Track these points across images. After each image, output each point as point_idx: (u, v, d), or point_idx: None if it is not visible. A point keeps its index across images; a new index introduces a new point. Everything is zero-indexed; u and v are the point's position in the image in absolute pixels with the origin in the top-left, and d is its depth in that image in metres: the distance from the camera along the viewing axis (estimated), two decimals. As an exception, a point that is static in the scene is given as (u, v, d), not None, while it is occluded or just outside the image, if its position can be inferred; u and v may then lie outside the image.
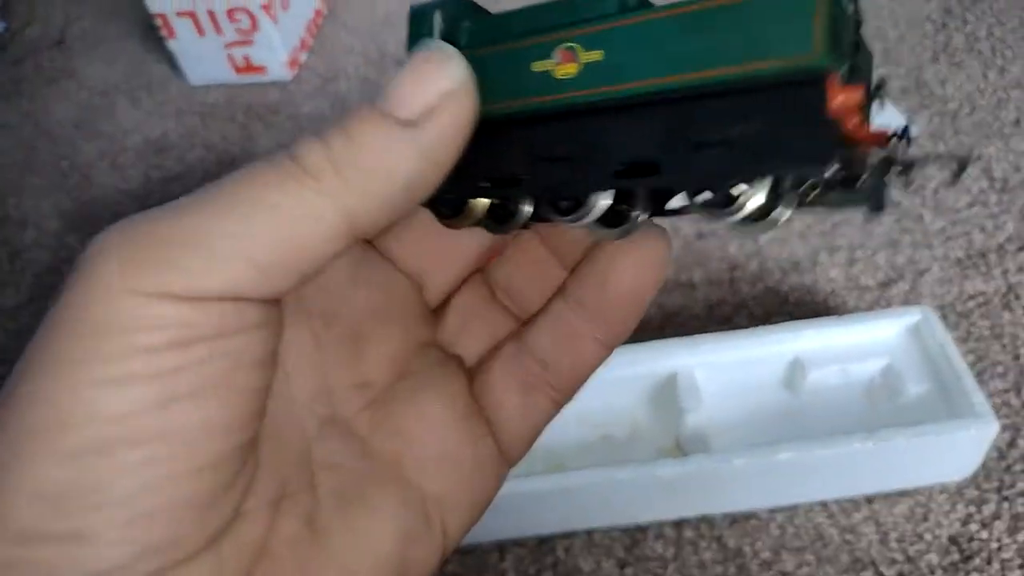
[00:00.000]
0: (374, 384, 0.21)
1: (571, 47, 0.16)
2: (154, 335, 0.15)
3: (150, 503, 0.15)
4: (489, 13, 0.19)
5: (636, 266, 0.20)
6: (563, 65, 0.17)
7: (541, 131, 0.18)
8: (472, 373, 0.22)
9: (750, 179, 0.15)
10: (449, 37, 0.18)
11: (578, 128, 0.17)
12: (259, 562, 0.17)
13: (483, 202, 0.20)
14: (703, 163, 0.15)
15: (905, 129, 0.15)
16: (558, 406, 0.22)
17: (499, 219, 0.20)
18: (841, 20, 0.14)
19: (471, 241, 0.22)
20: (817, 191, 0.16)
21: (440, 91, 0.16)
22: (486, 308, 0.23)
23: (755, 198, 0.15)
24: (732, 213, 0.16)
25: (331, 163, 0.16)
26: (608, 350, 0.21)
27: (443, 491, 0.20)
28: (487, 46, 0.18)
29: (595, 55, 0.16)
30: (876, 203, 0.15)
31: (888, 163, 0.15)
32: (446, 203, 0.20)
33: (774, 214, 0.16)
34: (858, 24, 0.15)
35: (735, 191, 0.15)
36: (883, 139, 0.15)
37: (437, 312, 0.23)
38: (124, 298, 0.15)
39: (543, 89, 0.17)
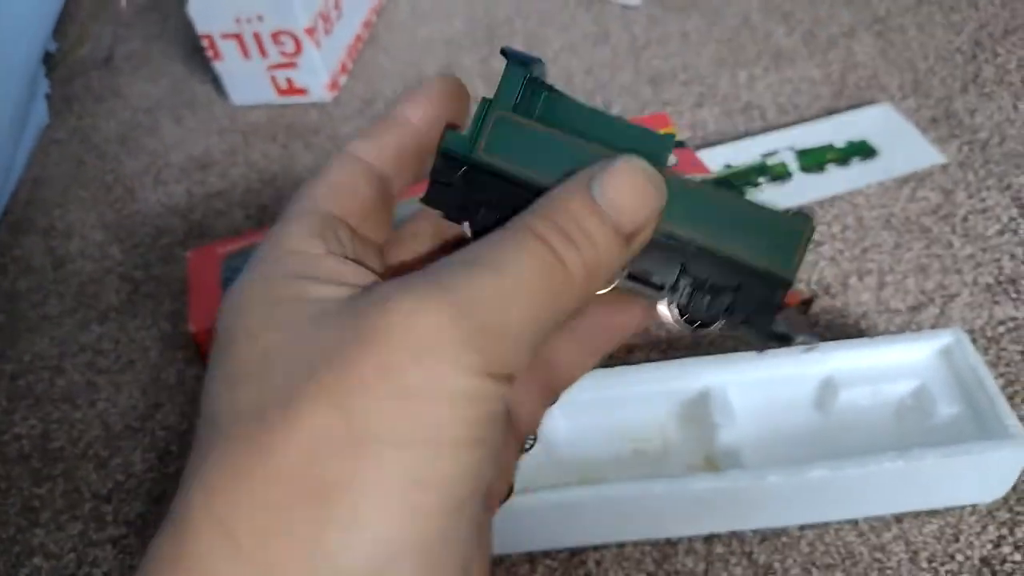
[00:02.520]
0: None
1: None
2: (478, 407, 0.18)
3: None
4: (560, 93, 0.23)
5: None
6: None
7: None
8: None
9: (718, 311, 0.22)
10: (527, 98, 0.22)
11: None
12: None
13: None
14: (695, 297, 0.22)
15: (809, 301, 0.23)
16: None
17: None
18: (803, 250, 0.22)
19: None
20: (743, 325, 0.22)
21: (655, 210, 0.21)
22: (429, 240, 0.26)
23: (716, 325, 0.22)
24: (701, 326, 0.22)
25: (583, 267, 0.19)
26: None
27: None
28: (557, 125, 0.22)
29: None
30: (760, 347, 0.22)
31: (783, 337, 0.22)
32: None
33: (713, 327, 0.22)
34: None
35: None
36: (796, 303, 0.23)
37: None
38: (456, 373, 0.17)
39: None
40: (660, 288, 0.22)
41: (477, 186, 0.22)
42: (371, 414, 0.17)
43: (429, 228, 0.24)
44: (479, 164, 0.22)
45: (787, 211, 0.22)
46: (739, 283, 0.21)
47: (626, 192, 0.20)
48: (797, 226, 0.21)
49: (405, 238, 0.24)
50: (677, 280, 0.21)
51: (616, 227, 0.20)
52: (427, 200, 0.22)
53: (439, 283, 0.18)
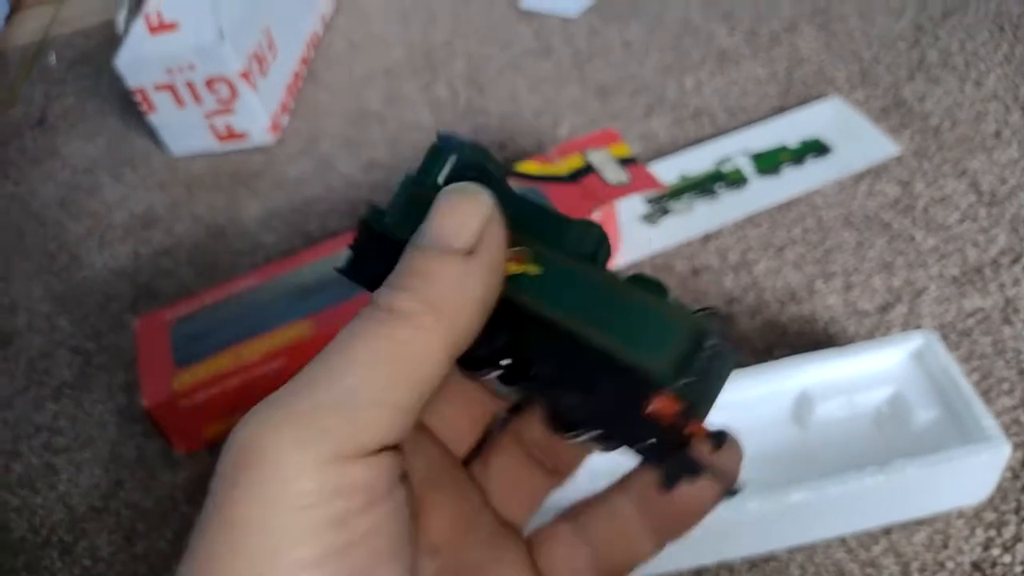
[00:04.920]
0: (442, 549, 0.21)
1: (525, 250, 0.19)
2: (339, 503, 0.16)
3: None
4: (496, 171, 0.21)
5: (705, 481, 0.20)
6: (512, 261, 0.20)
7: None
8: (529, 544, 0.22)
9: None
10: (457, 179, 0.21)
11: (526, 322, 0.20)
12: None
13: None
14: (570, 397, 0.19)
15: (720, 435, 0.19)
16: None
17: (511, 379, 0.21)
18: (694, 355, 0.18)
19: (482, 398, 0.23)
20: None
21: (482, 217, 0.18)
22: (526, 470, 0.23)
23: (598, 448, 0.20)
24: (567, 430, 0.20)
25: (423, 303, 0.17)
26: (661, 548, 0.21)
27: None
28: None
29: (534, 268, 0.19)
30: (668, 482, 0.19)
31: (683, 465, 0.19)
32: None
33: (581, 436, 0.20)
34: (721, 360, 0.19)
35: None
36: (702, 436, 0.19)
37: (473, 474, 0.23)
38: (310, 469, 0.16)
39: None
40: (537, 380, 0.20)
41: (391, 259, 0.20)
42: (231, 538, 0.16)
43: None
44: (392, 238, 0.20)
45: (691, 309, 0.18)
46: (611, 384, 0.18)
47: (442, 217, 0.18)
48: (686, 321, 0.18)
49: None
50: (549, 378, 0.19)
51: (445, 249, 0.18)
52: (345, 271, 0.22)
53: (282, 392, 0.17)
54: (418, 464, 0.21)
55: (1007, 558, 0.38)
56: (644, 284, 0.19)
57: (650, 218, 0.56)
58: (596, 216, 0.50)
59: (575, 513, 0.22)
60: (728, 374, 0.19)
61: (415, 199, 0.20)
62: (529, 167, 0.53)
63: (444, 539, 0.21)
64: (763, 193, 0.55)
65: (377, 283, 0.20)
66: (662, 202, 0.56)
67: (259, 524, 0.16)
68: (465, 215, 0.18)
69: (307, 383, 0.17)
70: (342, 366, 0.17)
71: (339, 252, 0.52)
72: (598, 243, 0.20)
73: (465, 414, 0.23)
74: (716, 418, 0.42)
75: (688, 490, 0.20)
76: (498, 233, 0.19)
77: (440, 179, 0.21)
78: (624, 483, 0.22)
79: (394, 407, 0.17)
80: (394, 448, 0.17)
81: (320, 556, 0.16)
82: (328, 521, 0.16)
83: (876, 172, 0.55)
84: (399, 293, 0.18)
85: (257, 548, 0.16)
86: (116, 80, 0.69)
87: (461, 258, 0.18)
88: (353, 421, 0.16)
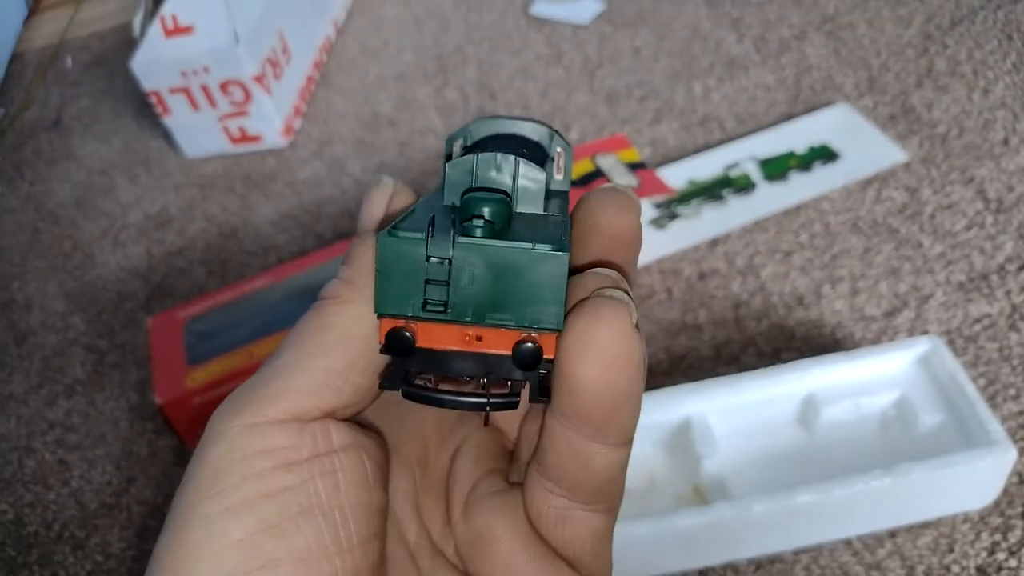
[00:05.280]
0: (457, 522, 0.22)
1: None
2: (261, 461, 0.17)
3: None
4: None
5: (593, 359, 0.18)
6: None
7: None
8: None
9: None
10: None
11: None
12: None
13: None
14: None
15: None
16: (606, 513, 0.20)
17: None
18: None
19: None
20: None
21: (387, 197, 0.20)
22: None
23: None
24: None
25: (343, 281, 0.19)
26: (614, 449, 0.19)
27: None
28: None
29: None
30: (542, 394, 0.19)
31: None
32: None
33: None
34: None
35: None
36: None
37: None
38: (233, 435, 0.18)
39: None
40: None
41: None
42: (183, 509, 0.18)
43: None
44: None
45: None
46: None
47: (361, 209, 0.20)
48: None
49: None
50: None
51: (361, 232, 0.20)
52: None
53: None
54: (449, 444, 0.22)
55: (1013, 562, 0.38)
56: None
57: (658, 222, 0.56)
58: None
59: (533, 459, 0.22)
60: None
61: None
62: (539, 171, 0.54)
63: (460, 511, 0.22)
64: (771, 199, 0.56)
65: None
66: (670, 207, 0.57)
67: (191, 481, 0.18)
68: (375, 200, 0.20)
69: (264, 366, 0.19)
70: (288, 347, 0.19)
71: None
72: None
73: None
74: (723, 420, 0.42)
75: (584, 374, 0.18)
76: (400, 205, 0.20)
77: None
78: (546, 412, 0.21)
79: (324, 371, 0.18)
80: (336, 420, 0.19)
81: (235, 504, 0.17)
82: (243, 476, 0.17)
83: (884, 178, 0.55)
84: (332, 281, 0.19)
85: (181, 496, 0.18)
86: (131, 82, 0.69)
87: (369, 234, 0.20)
88: (280, 391, 0.18)
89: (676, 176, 0.59)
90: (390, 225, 0.18)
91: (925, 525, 0.39)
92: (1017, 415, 0.42)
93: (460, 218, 0.18)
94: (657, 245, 0.54)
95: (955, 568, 0.38)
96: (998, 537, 0.39)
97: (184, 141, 0.72)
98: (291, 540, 0.17)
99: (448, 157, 0.21)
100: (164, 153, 0.74)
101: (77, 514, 0.50)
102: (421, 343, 0.18)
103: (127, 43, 0.75)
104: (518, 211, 0.19)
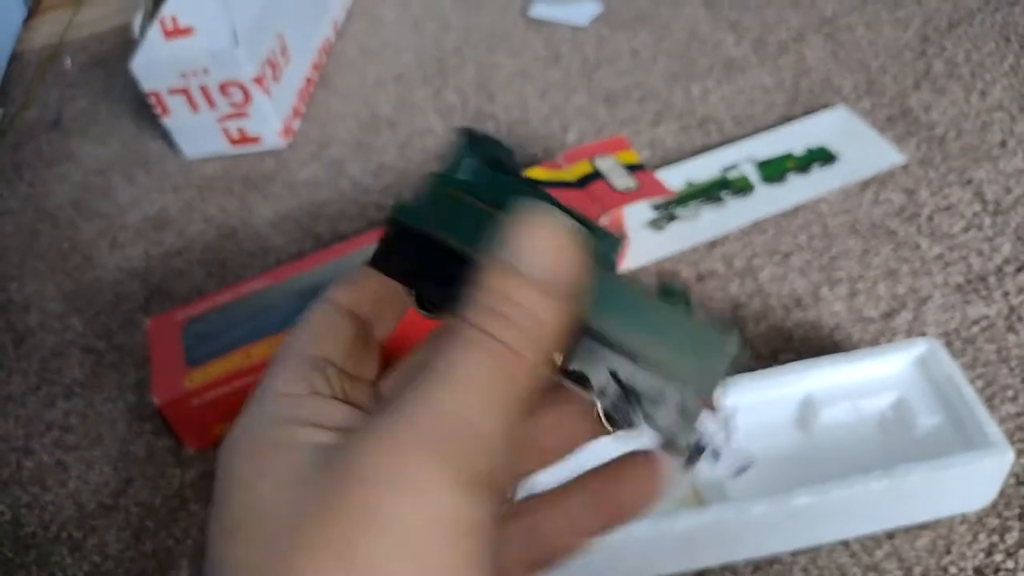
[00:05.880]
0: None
1: None
2: (469, 529, 0.18)
3: None
4: (515, 166, 0.23)
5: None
6: None
7: None
8: None
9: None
10: (481, 176, 0.23)
11: None
12: None
13: None
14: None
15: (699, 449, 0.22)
16: None
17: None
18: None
19: None
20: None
21: (578, 257, 0.19)
22: None
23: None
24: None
25: (527, 339, 0.19)
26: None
27: None
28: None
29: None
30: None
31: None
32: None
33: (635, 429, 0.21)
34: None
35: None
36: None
37: None
38: (441, 501, 0.18)
39: None
40: (591, 388, 0.21)
41: (420, 254, 0.22)
42: (371, 559, 0.17)
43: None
44: (417, 232, 0.22)
45: (715, 323, 0.21)
46: (664, 392, 0.21)
47: (539, 246, 0.19)
48: (722, 342, 0.21)
49: (403, 369, 0.24)
50: (606, 383, 0.21)
51: (543, 286, 0.19)
52: (373, 263, 0.23)
53: (403, 415, 0.18)
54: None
55: (1010, 564, 0.38)
56: (671, 293, 0.21)
57: (657, 224, 0.56)
58: (603, 221, 0.51)
59: (525, 508, 0.24)
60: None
61: (447, 197, 0.22)
62: (538, 173, 0.54)
63: None
64: (769, 200, 0.56)
65: (408, 278, 0.22)
66: (669, 208, 0.57)
67: None
68: (561, 248, 0.19)
69: (435, 417, 0.18)
70: (463, 398, 0.18)
71: (349, 255, 0.53)
72: (617, 247, 0.22)
73: None
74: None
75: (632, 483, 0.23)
76: (586, 267, 0.20)
77: (465, 175, 0.22)
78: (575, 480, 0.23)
79: (504, 442, 0.19)
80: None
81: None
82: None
83: (882, 180, 0.55)
84: (503, 324, 0.19)
85: None
86: (130, 83, 0.69)
87: (557, 298, 0.19)
88: (474, 456, 0.18)
89: (674, 178, 0.59)
90: None
91: (923, 526, 0.39)
92: (1015, 416, 0.42)
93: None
94: (655, 247, 0.55)
95: (952, 569, 0.38)
96: (995, 539, 0.39)
97: (183, 142, 0.72)
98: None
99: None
100: (163, 154, 0.74)
101: (75, 515, 0.50)
102: None
103: (126, 44, 0.75)
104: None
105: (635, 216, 0.56)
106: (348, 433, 0.19)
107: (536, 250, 0.19)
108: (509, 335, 0.18)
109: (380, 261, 0.23)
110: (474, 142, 0.23)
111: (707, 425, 0.21)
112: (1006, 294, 0.47)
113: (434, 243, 0.22)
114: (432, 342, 0.21)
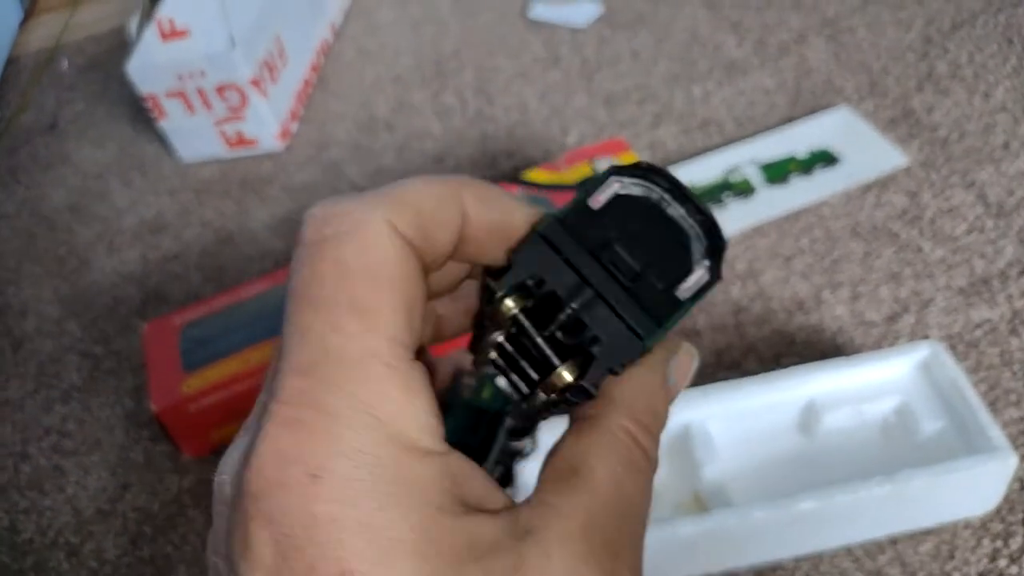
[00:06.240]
0: None
1: None
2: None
3: None
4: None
5: None
6: None
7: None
8: None
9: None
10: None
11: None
12: None
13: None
14: None
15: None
16: None
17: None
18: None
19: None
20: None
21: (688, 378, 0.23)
22: None
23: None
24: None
25: (657, 447, 0.21)
26: None
27: None
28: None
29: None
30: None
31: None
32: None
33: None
34: None
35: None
36: None
37: None
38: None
39: None
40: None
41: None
42: None
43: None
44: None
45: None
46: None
47: (684, 374, 0.22)
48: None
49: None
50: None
51: (671, 401, 0.22)
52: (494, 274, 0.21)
53: (603, 542, 0.19)
54: None
55: (1014, 569, 0.37)
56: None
57: (657, 227, 0.56)
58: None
59: None
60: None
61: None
62: (538, 175, 0.53)
63: None
64: (771, 203, 0.55)
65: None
66: (669, 211, 0.57)
67: None
68: (690, 378, 0.23)
69: (594, 524, 0.19)
70: (620, 510, 0.19)
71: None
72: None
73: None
74: (723, 427, 0.42)
75: None
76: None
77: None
78: None
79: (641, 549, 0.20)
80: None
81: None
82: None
83: (884, 183, 0.55)
84: (651, 439, 0.21)
85: None
86: (127, 86, 0.69)
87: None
88: (620, 565, 0.19)
89: (675, 180, 0.58)
90: None
91: (926, 532, 0.39)
92: (1018, 421, 0.42)
93: None
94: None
95: (956, 575, 0.38)
96: (999, 544, 0.38)
97: (180, 145, 0.72)
98: None
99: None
100: (160, 157, 0.74)
101: (72, 520, 0.49)
102: None
103: (123, 47, 0.74)
104: None
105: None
106: (519, 534, 0.18)
107: (684, 378, 0.22)
108: (651, 446, 0.21)
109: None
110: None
111: None
112: (1009, 297, 0.47)
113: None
114: (585, 446, 0.20)
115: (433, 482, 0.16)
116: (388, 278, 0.17)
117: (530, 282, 0.20)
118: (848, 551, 0.39)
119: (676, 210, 0.20)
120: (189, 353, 0.49)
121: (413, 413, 0.17)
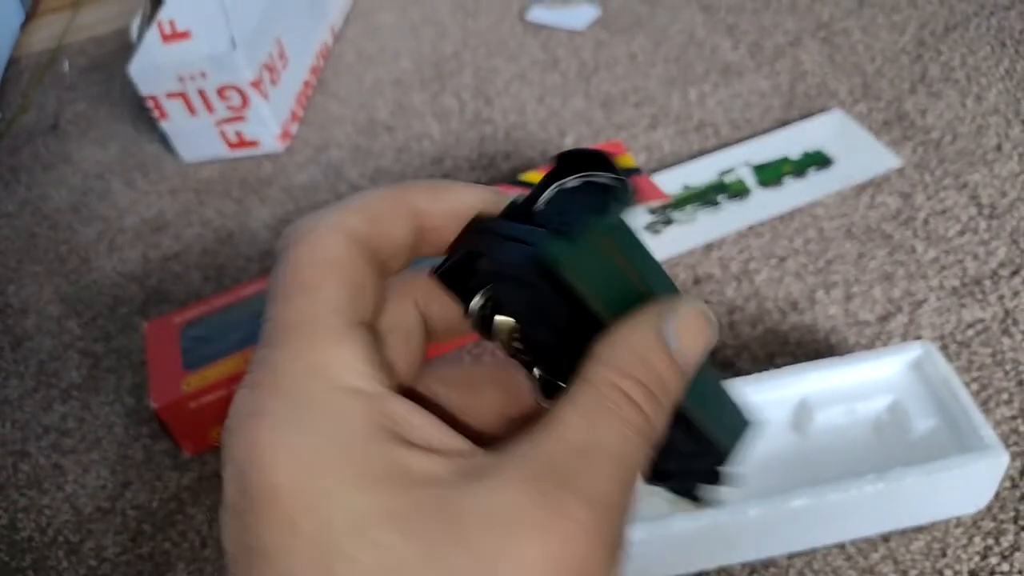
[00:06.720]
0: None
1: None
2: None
3: None
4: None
5: None
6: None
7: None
8: None
9: None
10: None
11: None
12: None
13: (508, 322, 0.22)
14: None
15: None
16: None
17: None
18: None
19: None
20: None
21: (708, 350, 0.21)
22: None
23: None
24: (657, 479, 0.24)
25: (662, 413, 0.20)
26: None
27: None
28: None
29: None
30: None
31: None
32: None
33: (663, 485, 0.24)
34: None
35: None
36: None
37: None
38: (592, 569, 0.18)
39: None
40: None
41: (538, 295, 0.20)
42: None
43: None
44: (558, 277, 0.19)
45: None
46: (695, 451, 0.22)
47: (693, 335, 0.21)
48: (746, 421, 0.24)
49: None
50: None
51: (682, 368, 0.21)
52: (442, 274, 0.22)
53: (557, 479, 0.18)
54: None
55: (1005, 567, 0.38)
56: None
57: (653, 228, 0.56)
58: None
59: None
60: None
61: (599, 250, 0.20)
62: (535, 177, 0.54)
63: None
64: (765, 204, 0.56)
65: (467, 294, 0.21)
66: (665, 212, 0.57)
67: None
68: (706, 340, 0.21)
69: (587, 484, 0.18)
70: (612, 471, 0.18)
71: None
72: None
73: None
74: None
75: None
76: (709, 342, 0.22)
77: (616, 219, 0.21)
78: None
79: (630, 507, 0.19)
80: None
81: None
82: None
83: (877, 184, 0.56)
84: (651, 401, 0.20)
85: None
86: (128, 87, 0.70)
87: (684, 378, 0.21)
88: (611, 525, 0.18)
89: (671, 182, 0.59)
90: None
91: (918, 529, 0.39)
92: (1010, 420, 0.42)
93: None
94: (652, 250, 0.55)
95: (948, 572, 0.38)
96: (991, 541, 0.39)
97: (181, 146, 0.72)
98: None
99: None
100: (161, 158, 0.75)
101: (71, 519, 0.50)
102: None
103: (124, 48, 0.75)
104: None
105: (631, 220, 0.56)
106: (477, 476, 0.18)
107: (690, 337, 0.21)
108: (650, 407, 0.19)
109: (450, 275, 0.22)
110: (614, 182, 0.22)
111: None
112: (1001, 297, 0.48)
113: (566, 290, 0.19)
114: (578, 405, 0.19)
115: (364, 416, 0.18)
116: (332, 265, 0.20)
117: (464, 260, 0.21)
118: (841, 548, 0.40)
119: (602, 178, 0.22)
120: (189, 352, 0.49)
121: (348, 362, 0.19)
